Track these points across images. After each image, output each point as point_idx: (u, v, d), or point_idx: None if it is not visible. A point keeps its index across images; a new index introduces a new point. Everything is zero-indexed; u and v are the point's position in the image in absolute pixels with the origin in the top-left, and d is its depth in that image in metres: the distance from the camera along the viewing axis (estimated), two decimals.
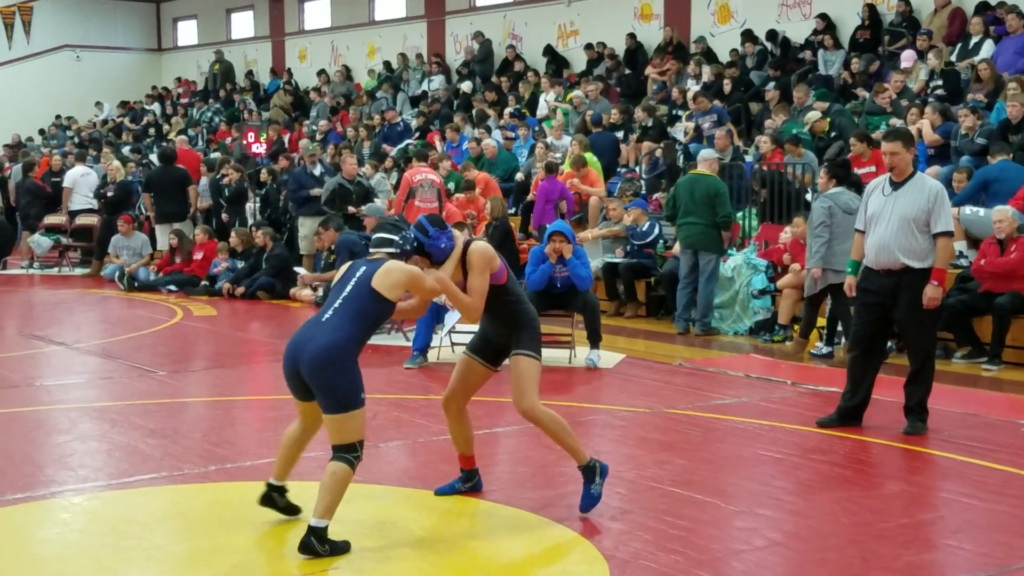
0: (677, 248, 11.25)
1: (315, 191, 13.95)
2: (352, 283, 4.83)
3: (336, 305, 4.80)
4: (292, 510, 5.10)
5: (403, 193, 12.43)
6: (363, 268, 4.87)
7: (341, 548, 4.61)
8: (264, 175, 16.27)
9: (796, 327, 10.48)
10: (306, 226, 13.98)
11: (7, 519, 5.14)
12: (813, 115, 13.03)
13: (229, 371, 9.25)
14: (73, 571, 4.47)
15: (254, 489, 5.16)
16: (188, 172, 16.14)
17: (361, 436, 4.68)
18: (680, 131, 14.99)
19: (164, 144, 20.17)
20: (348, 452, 4.63)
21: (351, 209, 13.04)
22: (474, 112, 18.29)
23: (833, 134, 12.80)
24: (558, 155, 14.85)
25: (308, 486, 5.10)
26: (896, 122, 12.08)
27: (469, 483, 5.50)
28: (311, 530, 4.55)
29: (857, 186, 9.79)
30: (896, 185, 6.81)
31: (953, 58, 13.77)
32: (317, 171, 14.46)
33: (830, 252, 9.17)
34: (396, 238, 4.98)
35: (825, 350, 9.81)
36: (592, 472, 5.14)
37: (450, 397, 5.45)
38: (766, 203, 12.07)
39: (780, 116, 13.66)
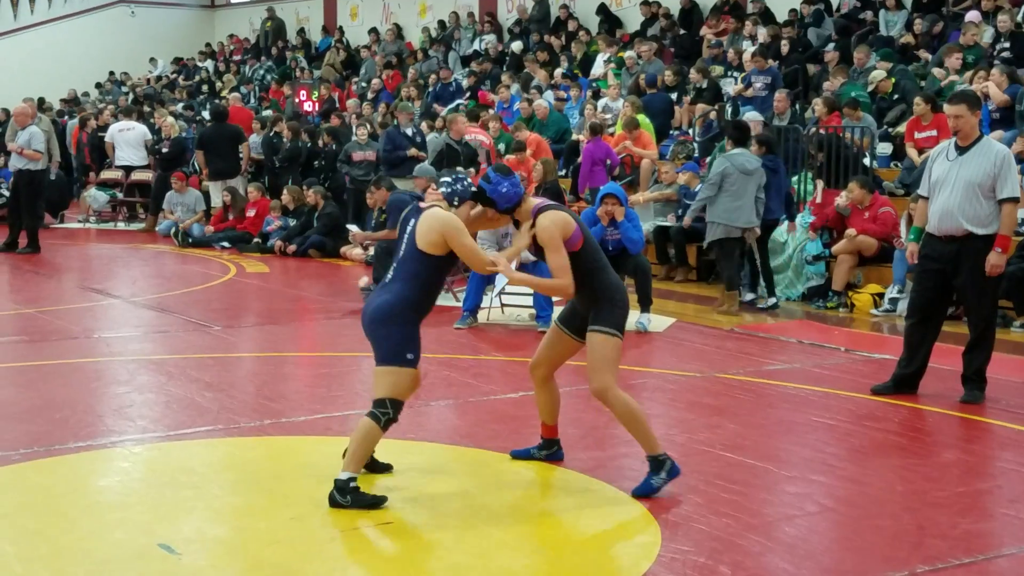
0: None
1: (411, 151, 13.21)
2: (404, 243, 4.84)
3: (394, 267, 4.86)
4: (375, 467, 5.11)
5: None
6: (412, 222, 4.85)
7: (368, 502, 4.64)
8: (326, 137, 16.13)
9: (851, 293, 10.38)
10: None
11: (70, 467, 5.26)
12: (878, 74, 12.78)
13: (282, 327, 9.34)
14: (134, 518, 4.56)
15: (309, 443, 5.24)
16: (241, 129, 16.23)
17: (395, 394, 4.69)
18: (729, 86, 14.79)
19: (216, 102, 20.28)
20: (378, 407, 4.68)
21: (460, 171, 12.68)
22: (524, 72, 18.16)
23: (896, 96, 12.55)
24: (608, 116, 14.73)
25: (332, 441, 5.15)
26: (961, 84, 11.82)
27: (546, 451, 5.35)
28: (335, 483, 4.65)
29: (768, 145, 10.37)
30: (961, 150, 6.67)
31: (1020, 19, 13.44)
32: (410, 131, 13.63)
33: (721, 208, 9.69)
34: (448, 178, 4.93)
35: (771, 301, 10.22)
36: (660, 465, 4.88)
37: (535, 364, 5.26)
38: (823, 167, 11.89)
39: (838, 78, 13.41)
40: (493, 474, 5.26)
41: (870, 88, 12.75)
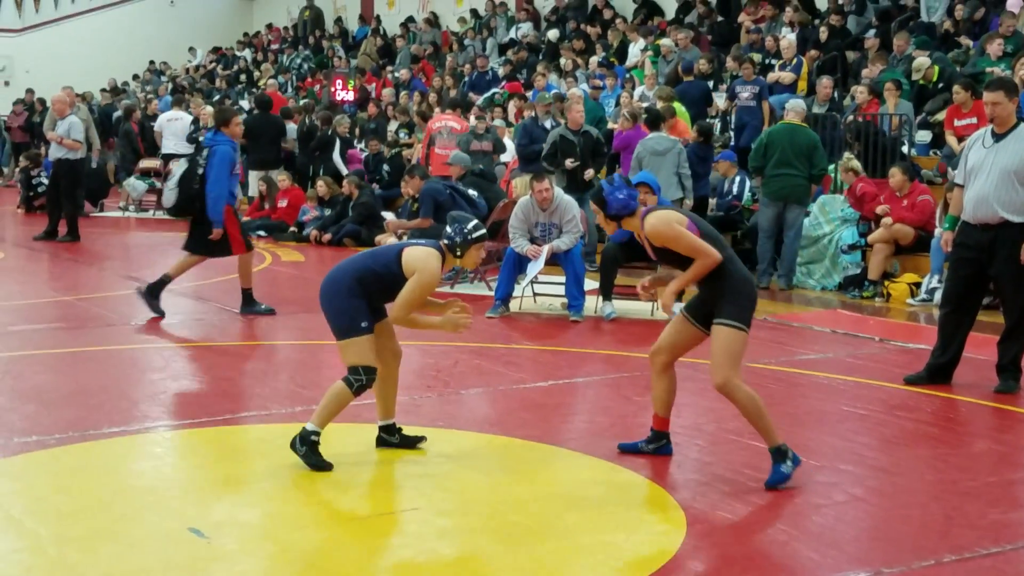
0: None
1: (568, 163, 12.03)
2: (391, 250, 5.08)
3: (374, 250, 5.18)
4: (409, 443, 5.32)
5: (425, 140, 12.47)
6: (421, 242, 5.12)
7: (317, 463, 4.93)
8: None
9: (887, 283, 10.29)
10: (522, 185, 11.98)
11: (104, 451, 5.34)
12: (923, 61, 12.63)
13: (316, 316, 9.30)
14: (165, 502, 4.63)
15: (338, 430, 5.28)
16: (284, 121, 16.29)
17: (363, 361, 4.94)
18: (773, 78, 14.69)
19: (255, 91, 20.43)
20: (352, 374, 4.96)
21: (568, 163, 11.56)
22: (562, 61, 18.12)
23: (940, 84, 12.38)
24: (646, 105, 14.65)
25: (361, 428, 5.20)
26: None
27: (655, 445, 5.25)
28: (301, 430, 4.98)
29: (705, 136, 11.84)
30: (998, 136, 6.59)
31: None
32: (549, 123, 12.97)
33: None
34: (449, 230, 5.05)
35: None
36: (783, 455, 4.82)
37: (656, 350, 5.15)
38: (860, 155, 11.79)
39: (877, 65, 13.28)
40: (521, 462, 5.28)
41: (915, 76, 12.59)
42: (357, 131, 17.44)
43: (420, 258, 4.97)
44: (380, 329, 5.11)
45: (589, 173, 11.50)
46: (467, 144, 13.59)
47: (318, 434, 4.96)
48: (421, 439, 5.39)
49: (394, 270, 4.97)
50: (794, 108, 10.97)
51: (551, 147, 11.78)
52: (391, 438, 5.34)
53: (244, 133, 15.89)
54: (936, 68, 12.60)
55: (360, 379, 4.95)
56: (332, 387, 5.00)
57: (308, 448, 4.94)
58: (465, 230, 5.05)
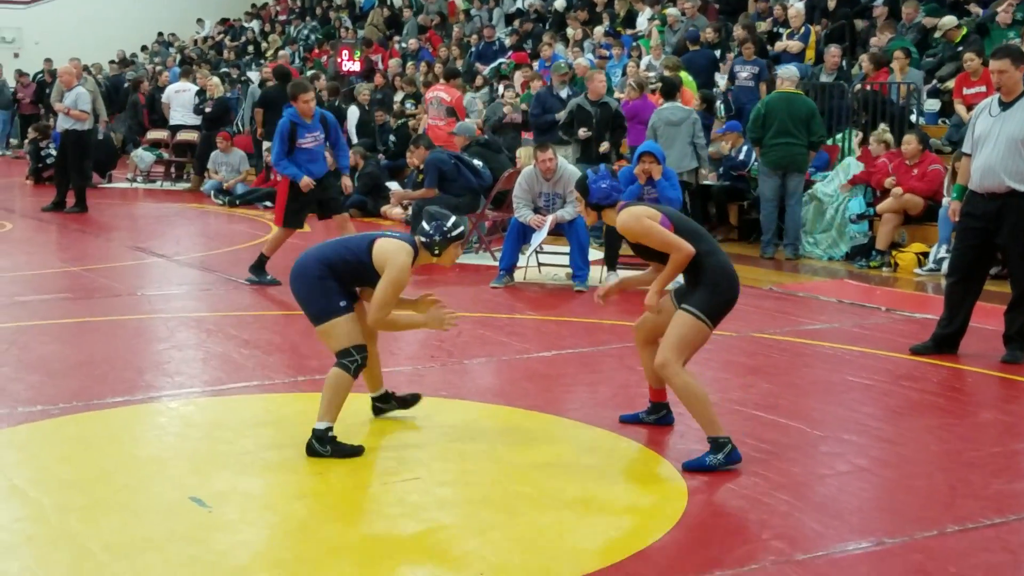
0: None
1: (560, 115, 12.18)
2: (363, 238, 4.91)
3: (347, 237, 5.07)
4: (405, 403, 5.37)
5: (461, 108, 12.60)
6: (395, 235, 4.97)
7: (347, 451, 4.78)
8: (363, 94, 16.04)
9: (895, 252, 10.24)
10: (526, 155, 11.86)
11: (108, 421, 5.35)
12: (950, 20, 12.49)
13: None
14: (169, 471, 4.64)
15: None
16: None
17: (350, 342, 4.79)
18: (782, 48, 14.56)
19: (263, 62, 20.32)
20: (344, 358, 4.79)
21: (581, 133, 11.36)
22: (568, 31, 17.98)
23: (960, 49, 12.23)
24: (652, 75, 14.55)
25: (361, 397, 5.20)
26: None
27: (655, 415, 5.25)
28: (313, 432, 4.77)
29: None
30: (1005, 105, 6.53)
31: None
32: (564, 93, 12.67)
33: None
34: (427, 227, 4.89)
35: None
36: (719, 447, 4.66)
37: (638, 325, 5.16)
38: (868, 125, 11.70)
39: (886, 34, 13.14)
40: (523, 432, 5.27)
41: (937, 34, 12.44)
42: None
43: (391, 252, 4.78)
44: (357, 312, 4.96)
45: (604, 146, 11.39)
46: (498, 117, 13.44)
47: (331, 428, 4.80)
48: (416, 396, 5.41)
49: (364, 259, 4.81)
50: (788, 76, 10.92)
51: (568, 116, 11.58)
52: (386, 405, 5.38)
53: (263, 103, 15.84)
54: (964, 30, 12.40)
55: (355, 360, 4.80)
56: (329, 377, 4.83)
57: (330, 445, 4.76)
58: (444, 228, 4.88)
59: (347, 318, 4.81)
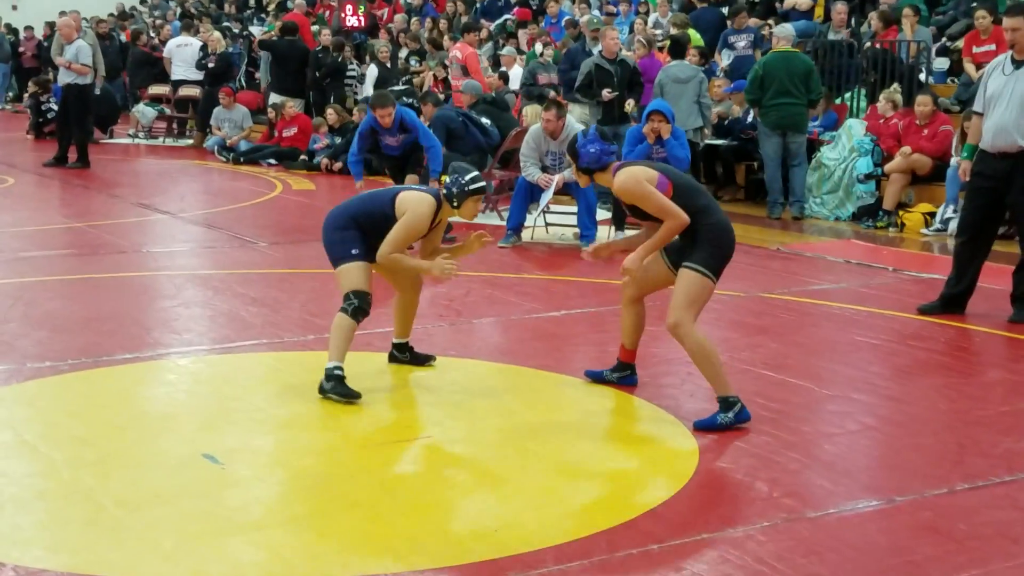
0: None
1: (605, 94, 11.23)
2: (388, 192, 5.21)
3: (371, 193, 5.33)
4: (419, 360, 5.53)
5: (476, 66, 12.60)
6: (419, 188, 5.32)
7: (346, 393, 4.94)
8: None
9: (902, 212, 10.20)
10: (574, 114, 10.89)
11: (117, 378, 5.36)
12: None
13: None
14: (179, 428, 4.65)
15: (350, 359, 5.26)
16: (309, 49, 16.05)
17: (355, 286, 5.03)
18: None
19: (266, 17, 20.14)
20: (345, 301, 5.05)
21: (606, 94, 10.93)
22: None
23: (974, 4, 12.08)
24: (659, 32, 14.43)
25: (372, 356, 5.19)
26: None
27: (619, 374, 5.26)
28: (324, 371, 5.01)
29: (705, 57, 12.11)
30: (1018, 64, 6.47)
31: None
32: (596, 50, 11.92)
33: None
34: (448, 180, 5.11)
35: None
36: (729, 406, 4.67)
37: (625, 282, 5.13)
38: (877, 84, 11.62)
39: None
40: (532, 391, 5.28)
41: None
42: (367, 58, 17.22)
43: (413, 201, 5.05)
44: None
45: (630, 104, 11.21)
46: (532, 75, 13.18)
47: (340, 368, 4.99)
48: (431, 358, 5.53)
49: (387, 211, 5.06)
50: (784, 35, 10.84)
51: (585, 77, 11.19)
52: (401, 355, 5.53)
53: (273, 54, 15.58)
54: None
55: (352, 303, 5.01)
56: (334, 321, 5.06)
57: (334, 382, 4.95)
58: (463, 181, 5.07)
59: (356, 265, 5.06)
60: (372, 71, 15.50)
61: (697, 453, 4.42)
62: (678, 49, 11.17)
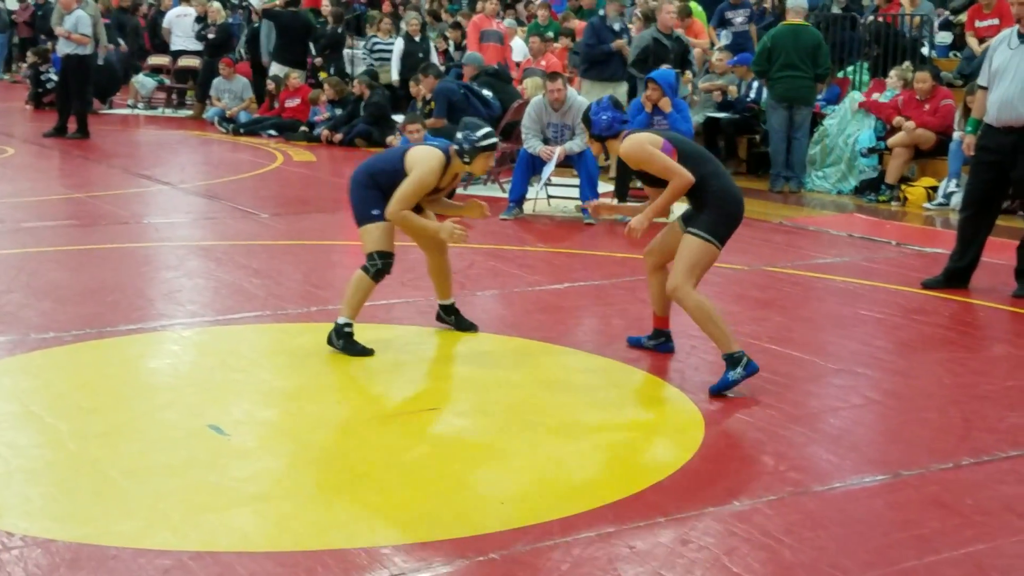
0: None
1: (616, 43, 11.33)
2: (397, 151, 5.30)
3: (387, 153, 5.42)
4: (463, 325, 5.63)
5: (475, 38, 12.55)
6: (427, 143, 5.43)
7: (357, 350, 5.12)
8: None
9: (904, 186, 10.18)
10: (593, 92, 10.49)
11: (121, 349, 5.35)
12: None
13: (328, 216, 9.36)
14: (184, 400, 4.65)
15: (356, 330, 5.27)
16: (312, 21, 15.94)
17: (378, 247, 5.14)
18: None
19: None
20: (367, 260, 5.16)
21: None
22: None
23: None
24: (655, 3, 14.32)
25: (376, 328, 5.19)
26: None
27: (655, 341, 5.34)
28: (334, 325, 5.18)
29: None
30: (1023, 38, 6.43)
31: None
32: (618, 25, 11.74)
33: None
34: (460, 135, 5.17)
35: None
36: (735, 362, 4.72)
37: (648, 250, 5.23)
38: (879, 57, 11.57)
39: None
40: (537, 363, 5.28)
41: None
42: (366, 30, 17.11)
43: (421, 156, 5.12)
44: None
45: (688, 76, 11.08)
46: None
47: (350, 324, 5.13)
48: (473, 327, 5.62)
49: (398, 167, 5.13)
50: (795, 8, 10.77)
51: (642, 52, 10.74)
52: (448, 317, 5.62)
53: (277, 26, 15.46)
54: None
55: (375, 263, 5.13)
56: (353, 276, 5.19)
57: (344, 339, 5.12)
58: (474, 137, 5.13)
59: (378, 226, 5.14)
60: (399, 44, 15.18)
61: (703, 426, 4.42)
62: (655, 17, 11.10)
